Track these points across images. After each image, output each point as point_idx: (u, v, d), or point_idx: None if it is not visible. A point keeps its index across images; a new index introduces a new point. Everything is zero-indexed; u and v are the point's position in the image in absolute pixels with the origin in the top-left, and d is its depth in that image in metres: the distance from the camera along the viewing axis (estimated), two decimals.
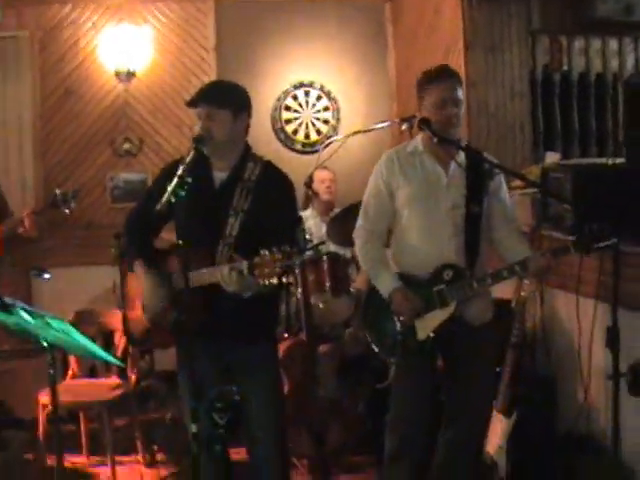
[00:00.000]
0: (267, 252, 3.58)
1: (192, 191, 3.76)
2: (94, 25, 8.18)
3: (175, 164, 4.08)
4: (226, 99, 4.13)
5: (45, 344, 3.65)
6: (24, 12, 8.07)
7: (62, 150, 8.20)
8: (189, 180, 3.68)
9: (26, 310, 3.43)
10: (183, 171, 3.71)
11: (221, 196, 4.14)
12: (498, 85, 7.21)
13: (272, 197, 4.13)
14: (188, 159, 3.83)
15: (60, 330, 3.45)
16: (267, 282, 3.58)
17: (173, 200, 3.65)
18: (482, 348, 4.55)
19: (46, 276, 6.58)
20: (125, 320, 4.44)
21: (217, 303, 3.93)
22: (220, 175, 4.18)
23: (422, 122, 4.35)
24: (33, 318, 3.45)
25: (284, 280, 3.63)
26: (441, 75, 4.43)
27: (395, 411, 4.69)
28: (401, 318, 4.43)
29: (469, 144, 4.85)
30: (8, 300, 3.47)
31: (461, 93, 4.41)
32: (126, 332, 4.45)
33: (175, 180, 3.67)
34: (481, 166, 4.46)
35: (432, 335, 4.38)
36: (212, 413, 3.26)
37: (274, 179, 4.24)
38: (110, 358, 3.70)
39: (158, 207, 3.61)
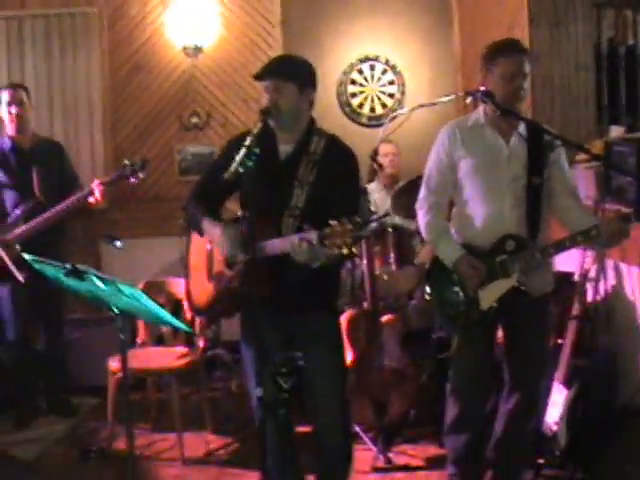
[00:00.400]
0: (337, 223, 3.64)
1: (258, 163, 3.81)
2: (162, 1, 8.27)
3: (241, 137, 4.13)
4: (293, 73, 4.17)
5: (116, 310, 3.76)
6: None
7: (131, 124, 8.33)
8: (257, 151, 3.71)
9: (98, 277, 3.54)
10: (251, 142, 3.73)
11: (287, 168, 4.18)
12: (563, 59, 7.21)
13: (337, 170, 4.17)
14: (255, 130, 3.86)
15: (131, 296, 3.55)
16: (337, 252, 3.63)
17: (241, 170, 3.69)
18: (541, 319, 4.59)
19: (118, 244, 6.68)
20: (189, 291, 4.51)
21: (282, 273, 3.98)
22: (285, 148, 4.23)
23: (485, 94, 4.37)
24: (105, 285, 3.55)
25: (353, 250, 3.67)
26: (511, 48, 4.45)
27: (456, 381, 4.74)
28: (466, 287, 4.47)
29: (534, 118, 4.87)
30: (81, 267, 3.58)
31: (528, 67, 4.43)
32: (190, 302, 4.53)
33: (243, 150, 3.71)
34: (542, 138, 4.47)
35: (495, 305, 4.43)
36: (277, 377, 3.34)
37: (339, 153, 4.27)
38: (180, 324, 3.79)
39: (226, 176, 3.65)
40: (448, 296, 4.56)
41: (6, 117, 6.48)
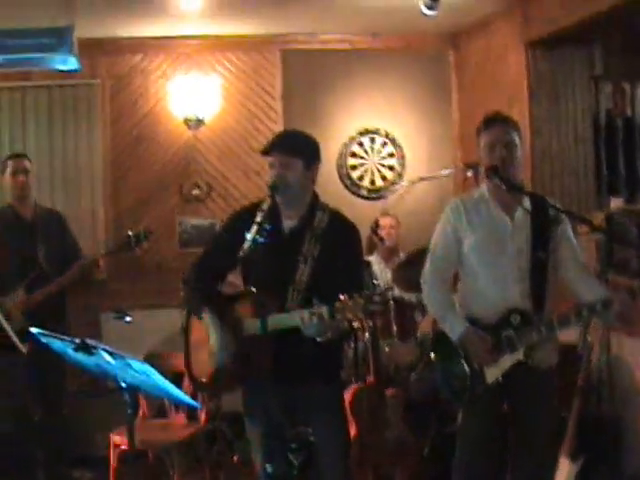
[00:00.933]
0: (347, 296, 3.67)
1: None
2: (164, 74, 8.38)
3: (245, 212, 4.24)
4: (300, 148, 4.23)
5: (123, 385, 3.75)
6: (96, 61, 8.29)
7: (132, 195, 8.37)
8: (267, 227, 3.74)
9: (107, 351, 3.54)
10: (262, 218, 3.77)
11: (291, 243, 4.21)
12: (562, 131, 7.29)
13: (340, 245, 4.22)
14: (265, 206, 3.91)
15: (140, 372, 3.55)
16: (347, 326, 3.65)
17: (253, 247, 3.72)
18: (547, 392, 4.54)
19: (128, 319, 6.72)
20: (189, 365, 4.48)
21: (286, 347, 3.99)
22: (289, 223, 4.25)
23: (490, 170, 4.40)
24: (114, 359, 3.55)
25: (364, 324, 3.70)
26: (490, 120, 4.53)
27: (461, 455, 4.65)
28: (471, 360, 4.42)
29: (534, 190, 4.89)
30: (90, 342, 3.58)
31: (515, 137, 4.47)
32: (190, 377, 4.48)
33: (255, 227, 3.73)
34: (546, 211, 4.50)
35: (500, 379, 4.41)
36: (288, 453, 3.33)
37: (342, 227, 4.33)
38: (188, 400, 3.78)
39: (241, 254, 3.66)
40: (453, 369, 4.52)
41: (10, 187, 6.50)
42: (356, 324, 3.68)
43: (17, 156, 6.72)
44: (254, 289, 4.13)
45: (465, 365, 4.47)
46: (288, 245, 4.21)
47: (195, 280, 4.41)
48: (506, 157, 4.42)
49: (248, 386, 4.33)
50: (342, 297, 3.69)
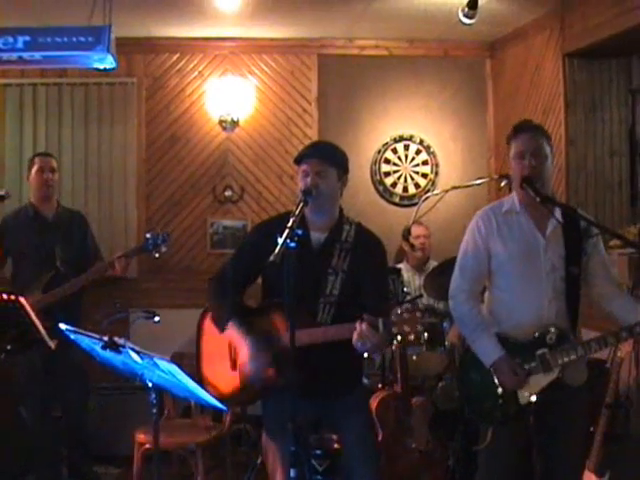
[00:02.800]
0: (404, 309, 3.69)
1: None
2: (200, 74, 8.43)
3: (272, 223, 4.31)
4: (335, 158, 4.26)
5: (150, 384, 3.75)
6: (133, 59, 8.36)
7: (165, 194, 8.42)
8: (299, 232, 3.70)
9: (135, 351, 3.54)
10: (293, 222, 3.71)
11: (320, 256, 4.23)
12: (597, 143, 7.24)
13: (368, 259, 4.25)
14: (297, 211, 3.86)
15: (167, 372, 3.55)
16: (399, 338, 3.63)
17: (284, 251, 3.65)
18: (579, 409, 4.45)
19: (156, 319, 6.73)
20: (201, 376, 4.49)
21: (312, 362, 3.94)
22: (318, 235, 4.27)
23: (525, 181, 4.31)
24: (141, 359, 3.55)
25: (421, 338, 3.67)
26: (521, 128, 4.46)
27: (487, 473, 4.55)
28: (506, 388, 4.32)
29: (568, 202, 4.83)
30: (118, 340, 3.59)
31: (545, 146, 4.38)
32: (210, 390, 4.36)
33: (286, 231, 3.67)
34: (578, 224, 4.40)
35: (534, 400, 4.30)
36: (311, 459, 3.32)
37: (369, 242, 4.35)
38: (215, 403, 3.77)
39: (272, 259, 3.57)
40: (484, 388, 4.41)
41: (36, 184, 6.54)
42: (412, 336, 3.61)
43: (44, 154, 6.78)
44: (276, 301, 4.16)
45: (499, 386, 4.36)
46: (317, 257, 4.23)
47: (220, 293, 4.42)
48: (536, 166, 4.33)
49: (270, 395, 4.31)
50: (397, 310, 3.69)
